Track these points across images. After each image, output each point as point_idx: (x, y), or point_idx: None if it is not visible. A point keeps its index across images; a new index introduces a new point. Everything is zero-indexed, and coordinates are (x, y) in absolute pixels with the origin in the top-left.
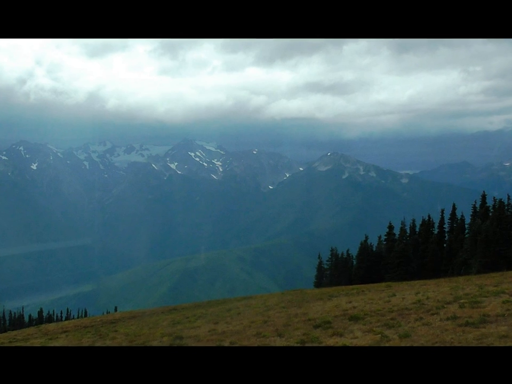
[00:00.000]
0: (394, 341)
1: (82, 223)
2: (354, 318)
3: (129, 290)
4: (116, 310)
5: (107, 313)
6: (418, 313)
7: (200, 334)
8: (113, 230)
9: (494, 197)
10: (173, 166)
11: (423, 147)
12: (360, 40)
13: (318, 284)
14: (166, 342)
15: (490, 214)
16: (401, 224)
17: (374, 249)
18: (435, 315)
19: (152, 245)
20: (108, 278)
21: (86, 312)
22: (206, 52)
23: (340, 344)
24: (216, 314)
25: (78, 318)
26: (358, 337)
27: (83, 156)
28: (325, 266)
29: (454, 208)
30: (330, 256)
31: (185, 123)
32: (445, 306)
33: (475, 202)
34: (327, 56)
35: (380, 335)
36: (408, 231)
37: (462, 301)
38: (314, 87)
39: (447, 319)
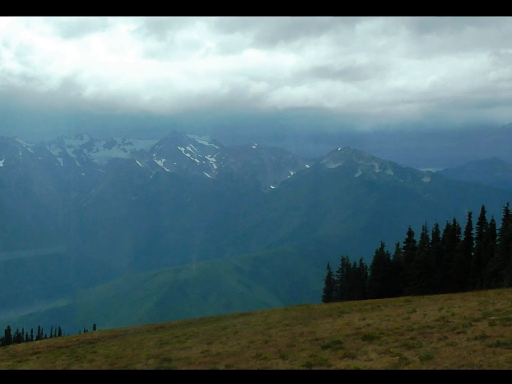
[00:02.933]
0: (415, 363)
1: (55, 228)
2: (369, 338)
3: (110, 306)
4: (94, 328)
5: (84, 331)
6: (442, 332)
7: (191, 355)
8: (92, 236)
9: None
10: (160, 162)
11: (448, 141)
12: (375, 18)
13: (327, 298)
14: (152, 365)
15: None
16: (423, 229)
17: (391, 258)
18: (461, 334)
19: (136, 254)
20: (86, 292)
21: (60, 331)
22: (198, 32)
23: (351, 367)
24: (210, 333)
25: (51, 337)
26: (373, 359)
27: (57, 151)
28: (335, 278)
29: (483, 211)
30: (340, 267)
31: (174, 114)
32: (473, 324)
33: (507, 204)
34: (337, 37)
35: (398, 357)
36: (430, 237)
37: (492, 317)
38: (322, 72)
39: (475, 338)
